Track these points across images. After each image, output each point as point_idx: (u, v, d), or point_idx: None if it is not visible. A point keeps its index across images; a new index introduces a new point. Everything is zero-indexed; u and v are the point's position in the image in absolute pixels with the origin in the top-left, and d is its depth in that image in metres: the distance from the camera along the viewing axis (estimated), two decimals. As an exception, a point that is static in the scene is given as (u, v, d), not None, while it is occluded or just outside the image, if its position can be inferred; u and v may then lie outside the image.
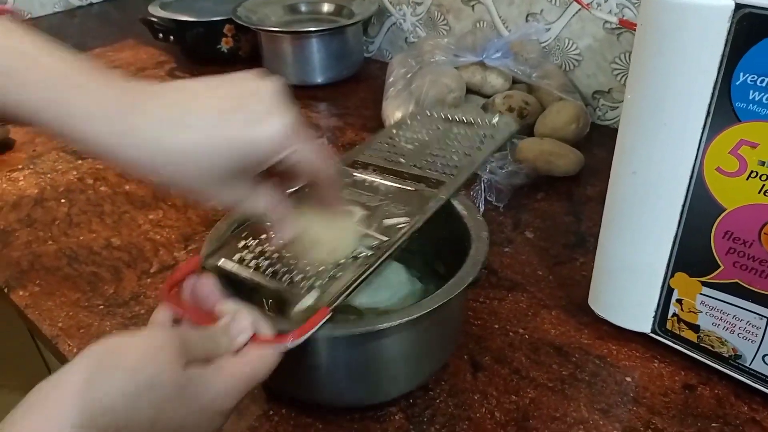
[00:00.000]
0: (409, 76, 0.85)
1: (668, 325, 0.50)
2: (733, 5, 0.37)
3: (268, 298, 0.50)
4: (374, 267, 0.42)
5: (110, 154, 0.36)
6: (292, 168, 0.39)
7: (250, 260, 0.44)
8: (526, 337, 0.55)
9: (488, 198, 0.71)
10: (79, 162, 0.84)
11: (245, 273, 0.43)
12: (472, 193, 0.72)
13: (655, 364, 0.51)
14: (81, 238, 0.69)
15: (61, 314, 0.58)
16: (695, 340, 0.49)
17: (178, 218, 0.72)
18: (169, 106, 0.36)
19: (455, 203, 0.52)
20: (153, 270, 0.64)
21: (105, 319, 0.58)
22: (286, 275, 0.42)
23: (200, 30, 1.07)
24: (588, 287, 0.55)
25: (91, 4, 1.50)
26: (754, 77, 0.38)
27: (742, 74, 0.39)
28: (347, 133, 0.89)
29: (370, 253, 0.44)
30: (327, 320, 0.39)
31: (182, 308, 0.39)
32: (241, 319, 0.37)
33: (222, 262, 0.43)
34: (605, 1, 0.80)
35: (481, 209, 0.70)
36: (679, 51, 0.40)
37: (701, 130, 0.42)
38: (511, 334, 0.55)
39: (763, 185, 0.40)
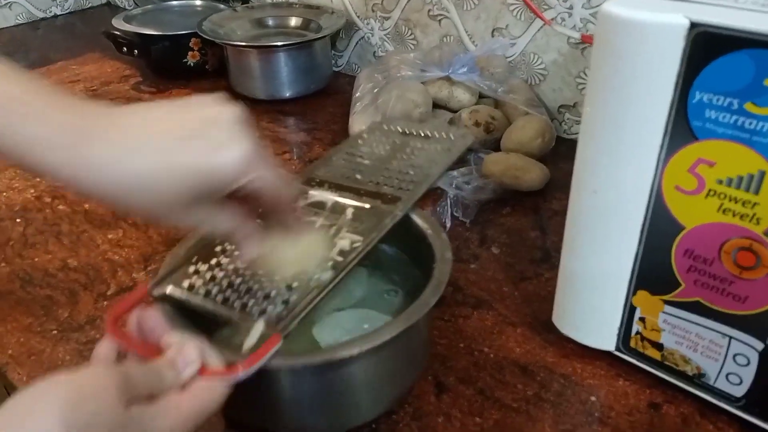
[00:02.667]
0: (375, 91, 0.85)
1: (632, 344, 0.50)
2: (688, 24, 0.37)
3: (220, 325, 0.48)
4: (327, 290, 0.41)
5: (70, 181, 0.36)
6: (253, 193, 0.39)
7: (200, 287, 0.42)
8: (491, 356, 0.54)
9: (455, 213, 0.71)
10: (37, 180, 0.81)
11: (195, 300, 0.41)
12: (438, 209, 0.71)
13: (620, 383, 0.51)
14: (36, 259, 0.67)
15: (11, 340, 0.56)
16: (659, 359, 0.49)
17: (138, 237, 0.70)
18: (126, 131, 0.36)
19: (419, 221, 0.51)
20: (110, 292, 0.62)
21: (58, 344, 0.55)
22: (237, 301, 0.41)
23: (165, 44, 1.06)
24: (553, 303, 0.54)
25: (56, 16, 1.48)
26: (710, 96, 0.38)
27: (698, 93, 0.39)
28: (315, 148, 0.88)
29: (323, 275, 0.43)
30: (280, 347, 0.37)
31: (127, 341, 0.37)
32: (187, 352, 0.35)
33: (170, 290, 0.42)
34: (569, 16, 0.81)
35: (448, 225, 0.70)
36: (635, 69, 0.40)
37: (659, 148, 0.41)
38: (476, 353, 0.54)
39: (722, 203, 0.40)
